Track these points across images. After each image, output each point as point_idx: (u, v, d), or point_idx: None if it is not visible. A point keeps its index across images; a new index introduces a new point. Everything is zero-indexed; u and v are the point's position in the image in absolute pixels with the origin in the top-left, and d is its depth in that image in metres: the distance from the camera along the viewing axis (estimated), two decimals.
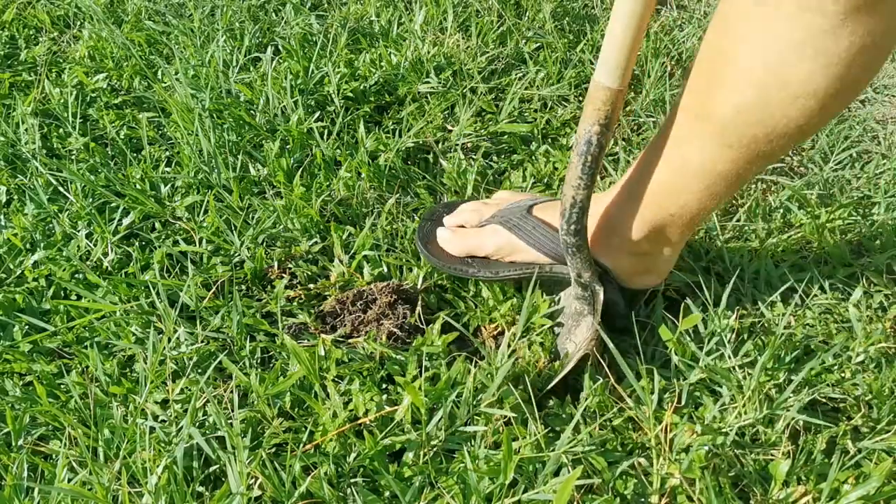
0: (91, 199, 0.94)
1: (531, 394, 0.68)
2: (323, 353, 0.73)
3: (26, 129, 1.05)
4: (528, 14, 1.31)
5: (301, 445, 0.65)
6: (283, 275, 0.85)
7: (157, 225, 0.92)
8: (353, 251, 0.87)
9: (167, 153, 1.04)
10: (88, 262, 0.87)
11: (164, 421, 0.68)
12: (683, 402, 0.71)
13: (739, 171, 0.59)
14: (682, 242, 0.72)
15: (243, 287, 0.85)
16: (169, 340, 0.74)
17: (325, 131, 1.05)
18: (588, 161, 0.64)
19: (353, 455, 0.65)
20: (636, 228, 0.69)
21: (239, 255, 0.86)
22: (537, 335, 0.76)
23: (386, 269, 0.86)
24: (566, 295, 0.79)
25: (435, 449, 0.66)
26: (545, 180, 0.99)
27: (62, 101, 1.11)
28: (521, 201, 0.81)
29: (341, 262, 0.86)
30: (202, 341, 0.76)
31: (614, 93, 0.60)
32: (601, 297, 0.72)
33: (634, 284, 0.76)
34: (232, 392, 0.70)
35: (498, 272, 0.77)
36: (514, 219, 0.77)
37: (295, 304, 0.81)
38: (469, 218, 0.82)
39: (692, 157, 0.60)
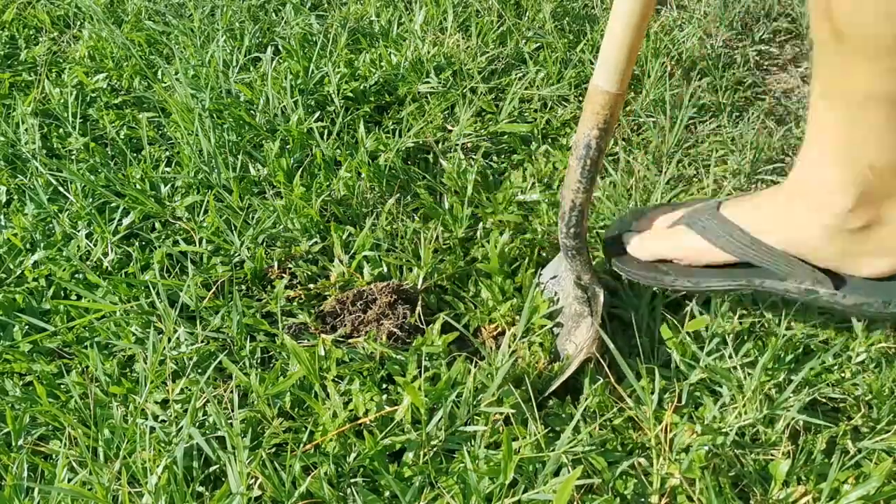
0: (91, 199, 0.94)
1: (531, 394, 0.68)
2: (323, 353, 0.73)
3: (26, 129, 1.05)
4: (528, 14, 1.31)
5: (301, 445, 0.65)
6: (283, 275, 0.85)
7: (157, 225, 0.92)
8: (353, 251, 0.87)
9: (167, 153, 1.04)
10: (88, 262, 0.87)
11: (164, 421, 0.68)
12: (684, 402, 0.71)
13: None
14: None
15: (243, 287, 0.85)
16: (169, 340, 0.74)
17: (325, 131, 1.05)
18: (587, 165, 0.64)
19: (353, 455, 0.65)
20: (840, 196, 0.59)
21: (239, 255, 0.86)
22: (537, 336, 0.76)
23: (386, 269, 0.86)
24: (565, 295, 0.79)
25: (435, 449, 0.66)
26: (545, 180, 0.99)
27: (62, 101, 1.11)
28: (709, 202, 0.74)
29: (341, 262, 0.86)
30: (202, 341, 0.76)
31: (613, 97, 0.60)
32: (601, 298, 0.72)
33: (865, 272, 0.64)
34: (232, 392, 0.70)
35: (699, 282, 0.70)
36: (702, 219, 0.71)
37: (295, 304, 0.81)
38: (659, 222, 0.77)
39: (850, 87, 0.54)
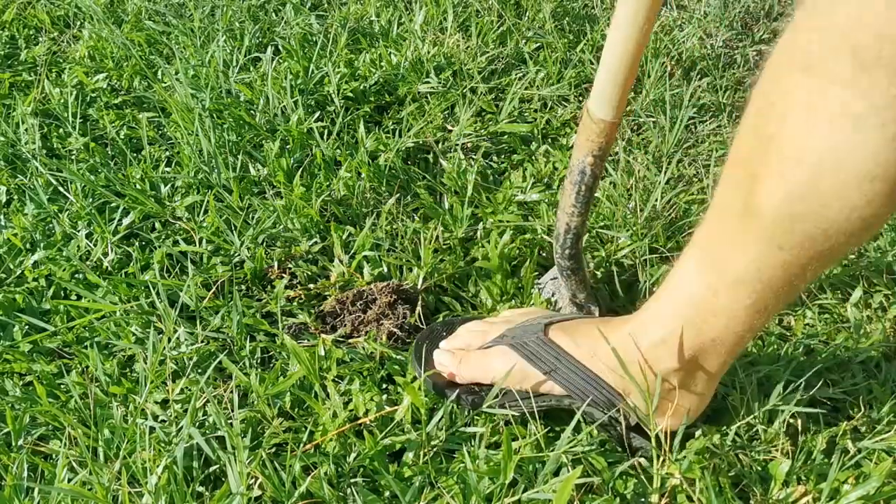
0: (91, 199, 0.94)
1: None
2: (323, 353, 0.73)
3: (26, 129, 1.05)
4: (528, 14, 1.31)
5: (301, 445, 0.65)
6: (283, 275, 0.85)
7: (157, 225, 0.92)
8: (353, 251, 0.87)
9: (167, 153, 1.04)
10: (88, 262, 0.87)
11: (164, 421, 0.68)
12: None
13: (791, 278, 0.49)
14: (718, 377, 0.61)
15: (243, 287, 0.85)
16: (169, 340, 0.74)
17: (325, 131, 1.05)
18: (582, 190, 0.64)
19: (353, 455, 0.65)
20: (667, 357, 0.59)
21: (239, 255, 0.86)
22: None
23: (386, 269, 0.86)
24: (562, 296, 0.79)
25: (435, 449, 0.66)
26: (545, 180, 0.99)
27: (62, 101, 1.11)
28: (533, 319, 0.69)
29: (341, 262, 0.86)
30: (202, 341, 0.76)
31: (608, 125, 0.60)
32: (597, 316, 0.72)
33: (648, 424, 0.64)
34: (232, 392, 0.70)
35: (505, 403, 0.66)
36: (529, 344, 0.65)
37: (295, 304, 0.81)
38: (471, 340, 0.71)
39: (736, 265, 0.51)
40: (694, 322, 0.56)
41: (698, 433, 0.66)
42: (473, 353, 0.69)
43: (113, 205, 0.93)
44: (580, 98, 1.15)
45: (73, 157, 1.03)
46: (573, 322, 0.68)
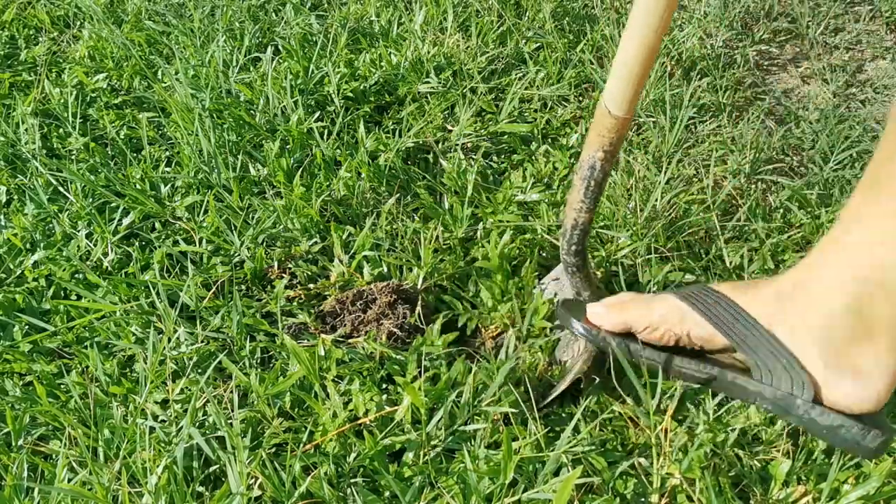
0: (91, 199, 0.94)
1: (532, 394, 0.68)
2: (323, 353, 0.73)
3: (26, 129, 1.05)
4: (528, 14, 1.31)
5: (301, 445, 0.65)
6: (283, 275, 0.85)
7: (157, 225, 0.92)
8: (353, 251, 0.87)
9: (167, 153, 1.04)
10: (88, 262, 0.87)
11: (164, 421, 0.68)
12: (685, 403, 0.70)
13: None
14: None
15: (243, 287, 0.85)
16: (169, 340, 0.74)
17: (325, 131, 1.05)
18: (591, 186, 0.64)
19: (353, 455, 0.65)
20: (838, 293, 0.54)
21: (239, 255, 0.86)
22: (538, 339, 0.76)
23: (386, 269, 0.86)
24: (564, 296, 0.79)
25: (435, 449, 0.66)
26: (545, 180, 0.99)
27: (62, 101, 1.11)
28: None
29: (341, 262, 0.86)
30: (202, 341, 0.76)
31: (621, 121, 0.60)
32: None
33: (837, 402, 0.56)
34: (232, 392, 0.70)
35: (668, 360, 0.62)
36: (690, 290, 0.64)
37: (295, 304, 0.81)
38: (630, 297, 0.68)
39: None
40: (856, 259, 0.53)
41: (699, 430, 0.66)
42: (626, 301, 0.66)
43: (113, 205, 0.93)
44: (580, 98, 1.15)
45: (73, 157, 1.03)
46: (737, 282, 0.65)
